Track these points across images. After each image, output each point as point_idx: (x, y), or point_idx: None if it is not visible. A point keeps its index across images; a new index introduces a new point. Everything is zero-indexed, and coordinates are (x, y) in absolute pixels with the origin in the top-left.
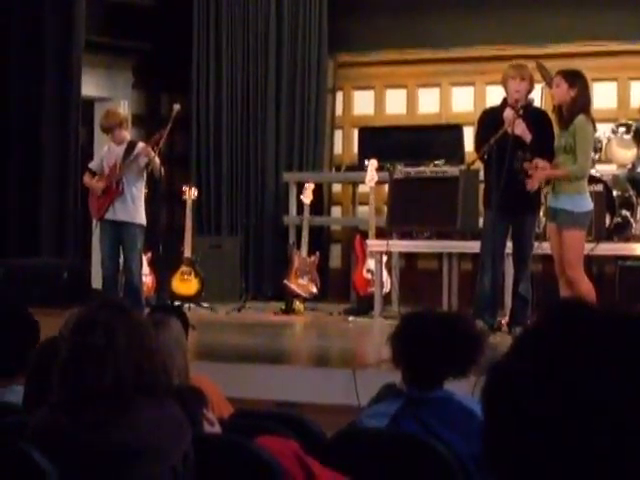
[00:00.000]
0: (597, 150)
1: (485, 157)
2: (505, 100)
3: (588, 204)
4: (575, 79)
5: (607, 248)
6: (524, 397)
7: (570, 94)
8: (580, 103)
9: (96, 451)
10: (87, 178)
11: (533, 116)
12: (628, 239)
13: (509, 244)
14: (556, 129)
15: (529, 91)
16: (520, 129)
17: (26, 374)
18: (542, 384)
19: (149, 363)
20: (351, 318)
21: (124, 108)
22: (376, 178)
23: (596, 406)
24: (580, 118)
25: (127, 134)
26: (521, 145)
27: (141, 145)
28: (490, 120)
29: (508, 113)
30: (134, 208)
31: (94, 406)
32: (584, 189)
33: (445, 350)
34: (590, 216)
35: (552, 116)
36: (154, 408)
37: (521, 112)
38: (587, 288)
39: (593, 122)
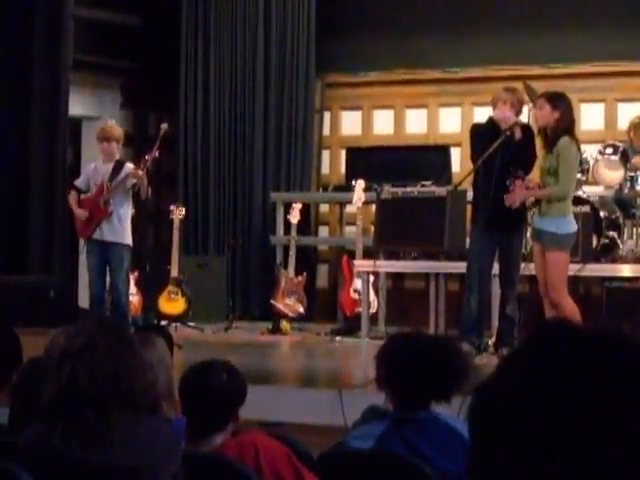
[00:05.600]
0: (584, 171)
1: (480, 166)
2: (491, 119)
3: (572, 226)
4: (558, 101)
5: (594, 269)
6: (509, 417)
7: (554, 116)
8: (564, 125)
9: (83, 469)
10: (73, 201)
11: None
12: (615, 260)
13: (496, 265)
14: (541, 151)
15: (517, 115)
16: (516, 129)
17: (9, 393)
18: (527, 405)
19: (130, 375)
20: (338, 338)
21: None
22: (363, 198)
23: (582, 426)
24: (564, 139)
25: (117, 152)
26: (509, 164)
27: (129, 166)
28: (485, 132)
29: (497, 114)
30: (121, 228)
31: (76, 413)
32: (569, 211)
33: (429, 374)
34: (574, 238)
35: (537, 138)
36: (142, 426)
37: (508, 133)
38: (571, 309)
39: (578, 144)
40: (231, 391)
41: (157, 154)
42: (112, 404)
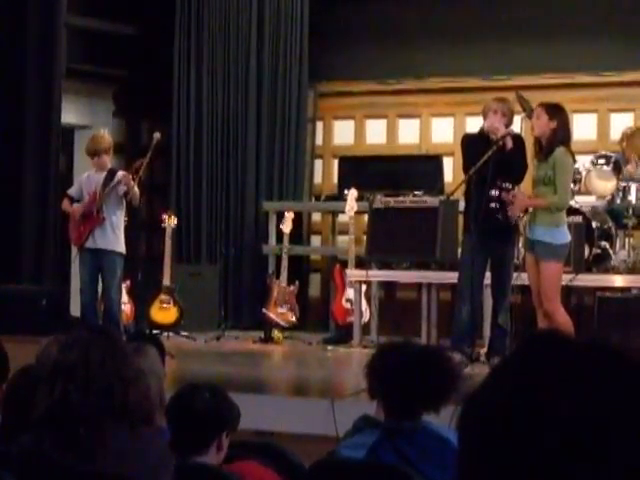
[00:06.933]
0: (576, 181)
1: (471, 176)
2: (482, 129)
3: (566, 236)
4: (556, 112)
5: (586, 279)
6: (498, 427)
7: (550, 126)
8: (560, 135)
9: (75, 479)
10: (66, 205)
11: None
12: (607, 270)
13: (488, 274)
14: (535, 161)
15: (508, 125)
16: (507, 139)
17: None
18: (516, 415)
19: (124, 389)
20: (330, 347)
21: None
22: (356, 208)
23: (572, 438)
24: (559, 150)
25: (109, 162)
26: (501, 173)
27: (121, 173)
28: (476, 142)
29: (487, 124)
30: (114, 236)
31: (68, 428)
32: (562, 221)
33: (419, 384)
34: (568, 248)
35: (530, 147)
36: (136, 438)
37: (500, 143)
38: (564, 320)
39: (572, 154)
40: (212, 411)
41: (148, 159)
42: (105, 419)
